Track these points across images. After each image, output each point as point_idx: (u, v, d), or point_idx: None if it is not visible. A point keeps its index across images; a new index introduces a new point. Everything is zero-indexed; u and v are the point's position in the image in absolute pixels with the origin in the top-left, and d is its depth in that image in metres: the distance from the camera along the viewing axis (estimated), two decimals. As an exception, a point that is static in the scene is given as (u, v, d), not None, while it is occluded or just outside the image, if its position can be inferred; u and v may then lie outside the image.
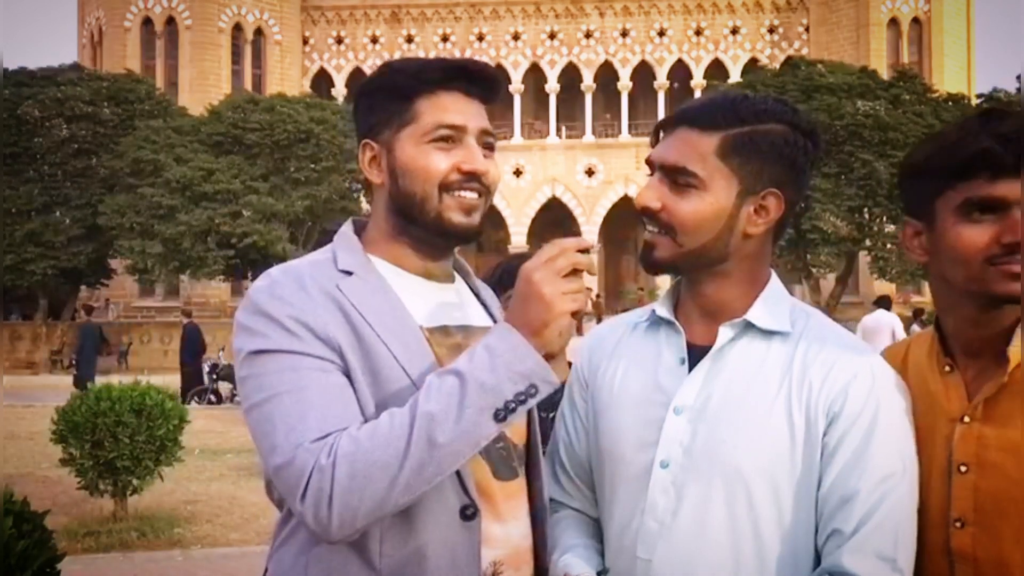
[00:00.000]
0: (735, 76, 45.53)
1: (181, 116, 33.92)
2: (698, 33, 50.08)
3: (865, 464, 1.44)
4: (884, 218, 30.02)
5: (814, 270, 32.14)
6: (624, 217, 45.39)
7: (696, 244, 1.52)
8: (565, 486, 1.70)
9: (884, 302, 13.97)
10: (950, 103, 31.55)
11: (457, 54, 45.83)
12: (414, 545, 1.44)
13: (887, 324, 13.13)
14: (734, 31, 50.01)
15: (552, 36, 50.32)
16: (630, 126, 49.13)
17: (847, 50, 46.10)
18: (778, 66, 40.58)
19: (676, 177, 1.52)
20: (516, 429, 1.59)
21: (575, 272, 1.39)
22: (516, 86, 49.09)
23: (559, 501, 1.69)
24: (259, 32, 48.26)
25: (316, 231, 31.17)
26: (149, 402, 7.12)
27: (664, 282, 21.07)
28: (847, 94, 30.42)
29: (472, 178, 1.54)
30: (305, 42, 50.39)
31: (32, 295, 34.78)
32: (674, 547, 1.49)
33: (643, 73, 49.89)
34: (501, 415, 1.36)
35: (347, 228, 1.63)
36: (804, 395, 1.48)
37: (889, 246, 29.75)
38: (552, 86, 49.92)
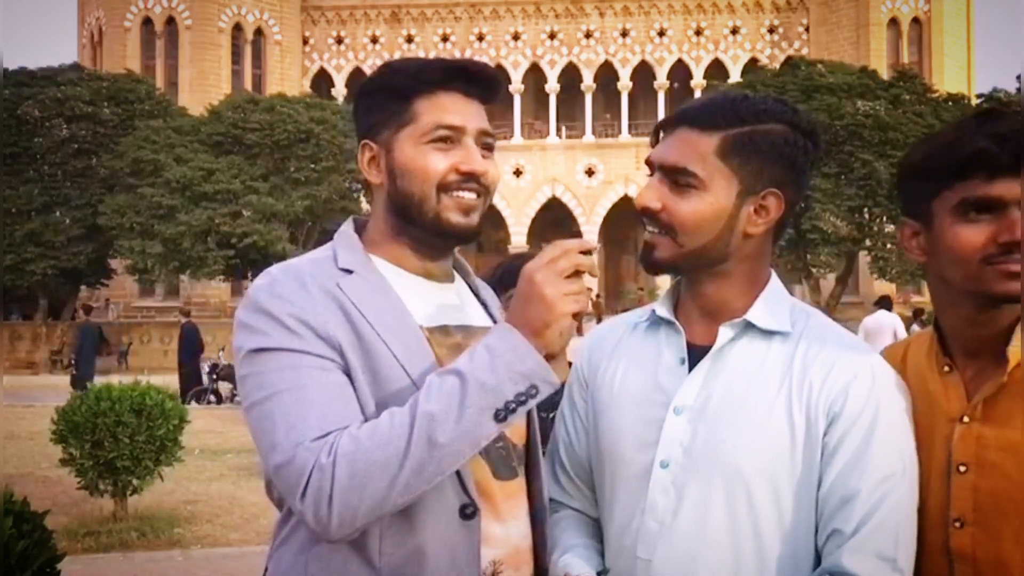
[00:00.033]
0: (735, 76, 45.53)
1: (181, 116, 33.91)
2: (698, 33, 50.08)
3: (865, 464, 1.44)
4: (884, 218, 30.04)
5: (814, 270, 32.14)
6: (624, 217, 45.38)
7: (696, 244, 1.52)
8: (565, 486, 1.70)
9: (885, 302, 13.98)
10: (950, 103, 31.55)
11: (457, 54, 45.88)
12: (414, 544, 1.44)
13: (888, 324, 13.14)
14: (734, 31, 50.01)
15: (552, 36, 50.32)
16: (630, 126, 49.13)
17: (847, 50, 46.10)
18: (778, 66, 40.58)
19: (676, 177, 1.52)
20: (516, 429, 1.59)
21: (577, 273, 1.39)
22: (516, 86, 49.09)
23: (559, 501, 1.69)
24: (259, 32, 48.25)
25: (316, 231, 31.16)
26: (149, 402, 7.12)
27: (664, 282, 21.06)
28: (847, 94, 30.42)
29: (470, 178, 1.54)
30: (305, 42, 50.39)
31: (32, 295, 34.78)
32: (674, 547, 1.49)
33: (643, 73, 49.89)
34: (501, 415, 1.36)
35: (347, 227, 1.63)
36: (804, 395, 1.48)
37: (889, 246, 29.76)
38: (552, 86, 49.92)
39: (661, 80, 49.64)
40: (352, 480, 1.33)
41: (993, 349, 1.50)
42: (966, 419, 1.50)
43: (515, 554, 1.55)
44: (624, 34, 50.14)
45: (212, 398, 18.81)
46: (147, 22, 46.28)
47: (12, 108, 31.85)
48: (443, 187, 1.54)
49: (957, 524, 1.47)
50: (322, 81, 50.21)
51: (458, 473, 1.44)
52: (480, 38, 50.47)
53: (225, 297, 40.44)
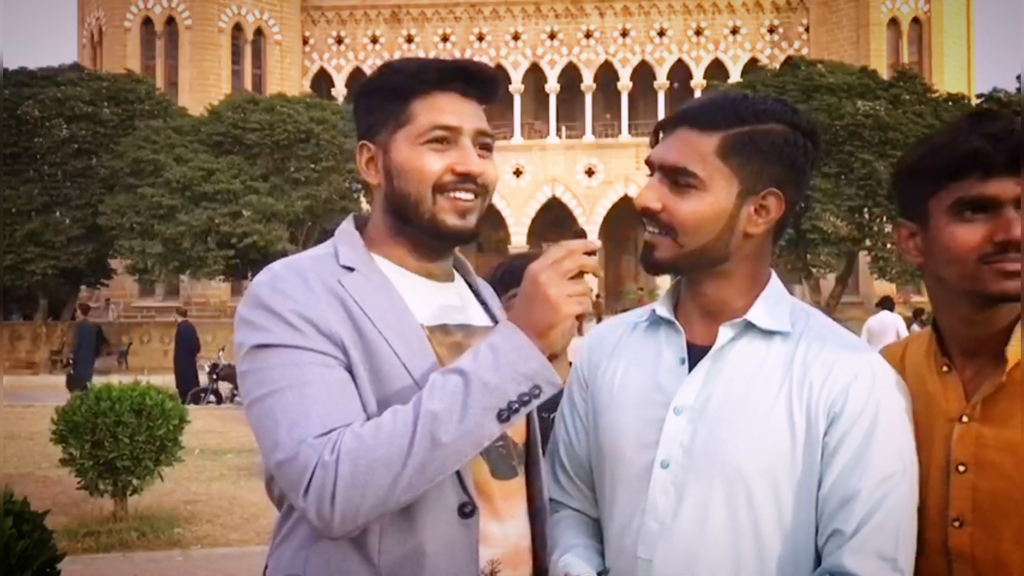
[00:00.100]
0: (735, 76, 45.53)
1: (181, 116, 33.91)
2: (698, 33, 50.07)
3: (866, 464, 1.44)
4: (884, 218, 30.03)
5: (814, 270, 32.14)
6: (624, 217, 45.38)
7: (697, 244, 1.52)
8: (565, 486, 1.70)
9: (887, 303, 14.00)
10: (950, 103, 31.54)
11: (457, 54, 45.87)
12: (413, 542, 1.45)
13: (891, 325, 13.18)
14: (734, 31, 50.01)
15: (552, 36, 50.32)
16: (630, 126, 49.12)
17: (847, 50, 46.10)
18: (778, 66, 40.57)
19: (676, 177, 1.52)
20: (516, 427, 1.59)
21: (581, 274, 1.39)
22: (516, 86, 49.09)
23: (559, 501, 1.69)
24: (259, 32, 48.25)
25: (316, 231, 31.15)
26: (149, 402, 7.12)
27: (664, 282, 21.07)
28: (847, 94, 30.42)
29: (467, 179, 1.54)
30: (305, 42, 50.39)
31: (32, 295, 34.78)
32: (674, 547, 1.49)
33: (643, 73, 49.89)
34: (504, 415, 1.36)
35: (348, 224, 1.63)
36: (805, 395, 1.48)
37: (889, 246, 29.75)
38: (552, 86, 49.92)
39: (661, 80, 49.63)
40: (355, 478, 1.34)
41: (991, 349, 1.50)
42: (965, 419, 1.50)
43: (514, 553, 1.55)
44: (624, 34, 50.13)
45: (212, 398, 18.82)
46: (147, 22, 46.27)
47: (12, 108, 31.85)
48: (439, 188, 1.53)
49: (956, 524, 1.47)
50: (322, 81, 50.21)
51: (457, 472, 1.44)
52: (480, 38, 50.47)
53: (225, 297, 40.44)
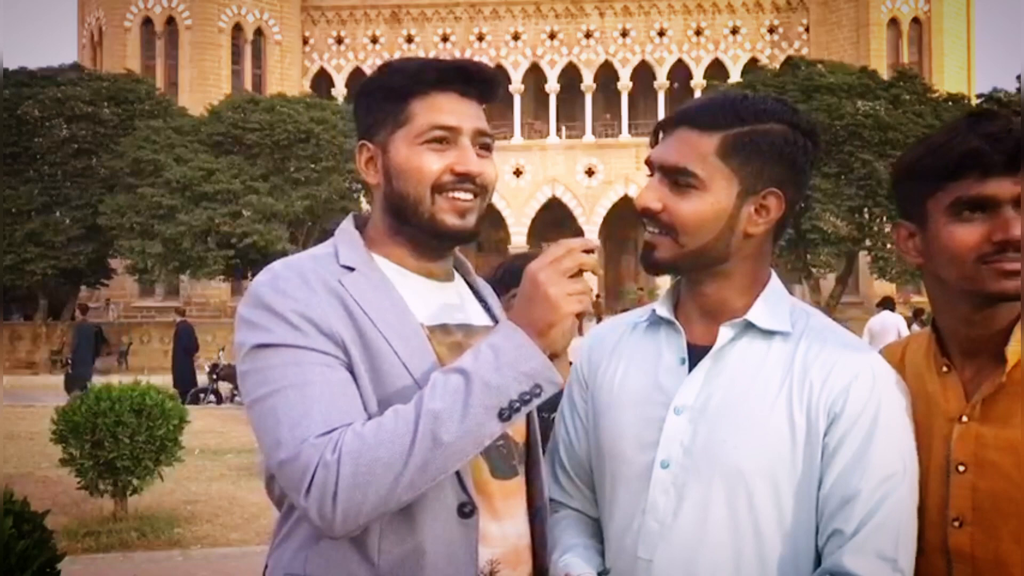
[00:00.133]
0: (735, 76, 45.51)
1: (181, 116, 33.90)
2: (698, 33, 50.07)
3: (866, 464, 1.44)
4: (884, 218, 30.04)
5: (814, 270, 32.15)
6: (624, 217, 45.38)
7: (697, 244, 1.52)
8: (565, 486, 1.69)
9: (888, 303, 14.01)
10: (950, 103, 31.55)
11: (457, 54, 45.88)
12: (412, 542, 1.45)
13: (892, 325, 13.20)
14: (734, 31, 50.00)
15: (552, 36, 50.31)
16: (630, 126, 49.11)
17: (847, 50, 46.09)
18: (778, 66, 40.54)
19: (676, 177, 1.52)
20: (516, 427, 1.59)
21: (580, 272, 1.39)
22: (516, 86, 49.08)
23: (559, 501, 1.69)
24: (259, 32, 48.23)
25: (316, 231, 31.15)
26: (149, 402, 7.13)
27: (664, 282, 21.07)
28: (847, 94, 30.42)
29: (465, 179, 1.54)
30: (305, 42, 50.38)
31: (32, 295, 34.79)
32: (675, 547, 1.49)
33: (643, 73, 49.88)
34: (506, 414, 1.37)
35: (348, 224, 1.63)
36: (805, 395, 1.48)
37: (889, 246, 29.74)
38: (552, 86, 49.91)
39: (661, 80, 49.62)
40: (356, 477, 1.34)
41: (991, 349, 1.50)
42: (965, 419, 1.50)
43: (513, 553, 1.55)
44: (624, 34, 50.12)
45: (212, 398, 18.83)
46: (147, 22, 46.25)
47: (12, 108, 31.85)
48: (438, 188, 1.54)
49: (956, 523, 1.47)
50: (322, 81, 50.20)
51: (457, 472, 1.44)
52: (480, 38, 50.46)
53: (225, 297, 40.43)
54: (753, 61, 48.66)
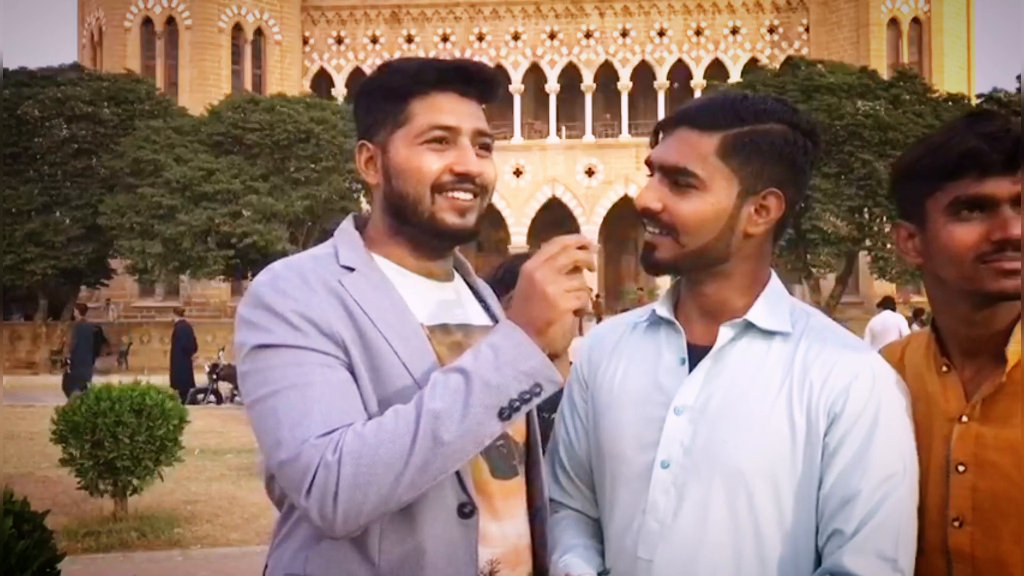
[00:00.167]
0: (735, 76, 45.52)
1: (181, 116, 33.91)
2: (698, 33, 50.07)
3: (866, 464, 1.44)
4: (884, 218, 30.04)
5: (814, 270, 32.14)
6: (624, 217, 45.39)
7: (697, 244, 1.52)
8: (565, 486, 1.69)
9: (889, 303, 14.02)
10: (950, 103, 31.55)
11: (457, 54, 45.88)
12: (413, 542, 1.45)
13: (893, 325, 13.20)
14: (734, 31, 50.00)
15: (552, 36, 50.31)
16: (630, 126, 49.12)
17: (847, 50, 46.09)
18: (778, 66, 40.54)
19: (676, 178, 1.52)
20: (516, 426, 1.59)
21: (576, 269, 1.39)
22: (516, 86, 49.08)
23: (559, 501, 1.69)
24: (259, 32, 48.24)
25: (316, 231, 31.16)
26: (149, 402, 7.13)
27: (664, 282, 21.05)
28: (847, 94, 30.43)
29: (465, 179, 1.54)
30: (305, 42, 50.38)
31: (32, 295, 34.79)
32: (675, 547, 1.49)
33: (643, 73, 49.88)
34: (506, 413, 1.37)
35: (347, 224, 1.63)
36: (805, 395, 1.48)
37: (889, 246, 29.74)
38: (552, 86, 49.91)
39: (661, 80, 49.63)
40: (357, 478, 1.34)
41: (991, 349, 1.50)
42: (965, 419, 1.50)
43: (513, 553, 1.55)
44: (624, 34, 50.12)
45: (212, 398, 18.82)
46: (147, 22, 46.25)
47: (12, 108, 31.84)
48: (437, 188, 1.54)
49: (956, 523, 1.47)
50: (322, 81, 50.20)
51: (457, 472, 1.44)
52: (480, 38, 50.46)
53: (225, 297, 40.44)
54: (753, 61, 48.65)
